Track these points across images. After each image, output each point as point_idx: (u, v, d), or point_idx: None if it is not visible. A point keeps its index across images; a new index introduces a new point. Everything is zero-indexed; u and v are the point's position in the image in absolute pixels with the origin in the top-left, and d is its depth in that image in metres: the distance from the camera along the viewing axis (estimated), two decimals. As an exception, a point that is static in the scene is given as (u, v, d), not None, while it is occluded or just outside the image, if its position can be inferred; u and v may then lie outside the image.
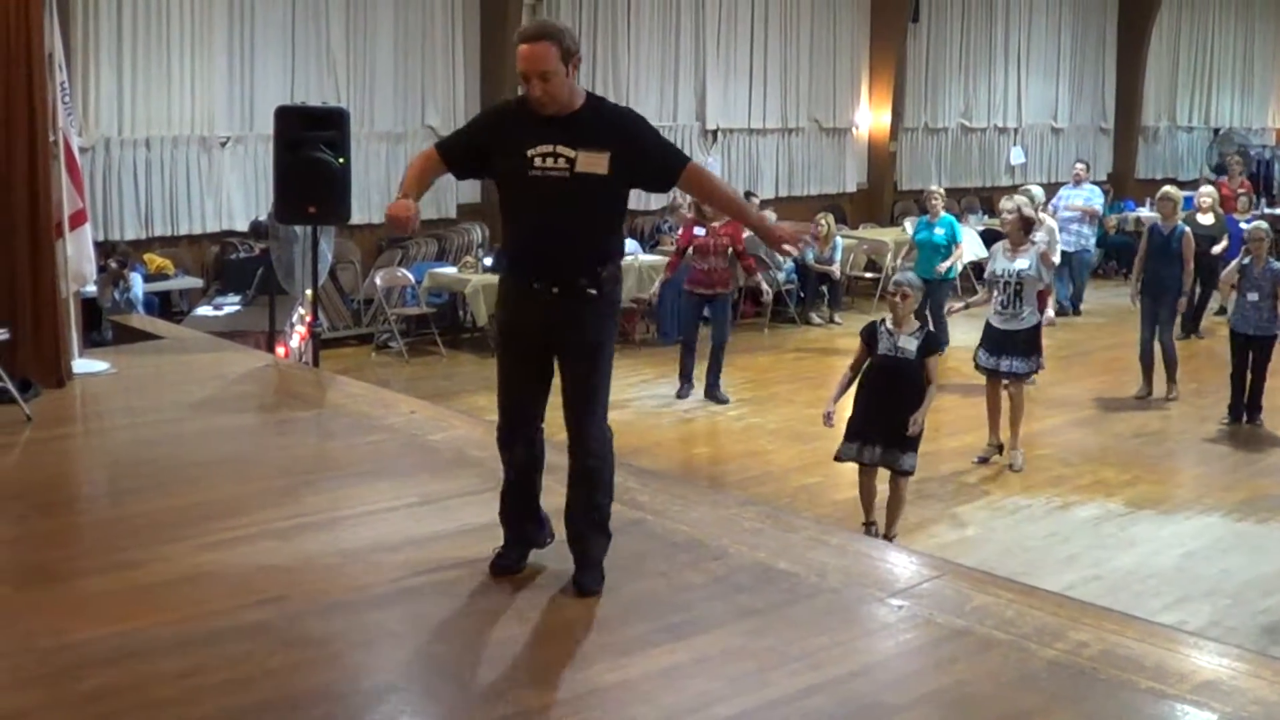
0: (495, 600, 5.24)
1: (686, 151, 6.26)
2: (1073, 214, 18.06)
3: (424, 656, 4.82)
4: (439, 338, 15.17)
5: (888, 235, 19.30)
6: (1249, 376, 12.01)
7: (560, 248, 5.08)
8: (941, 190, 15.66)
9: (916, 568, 5.83)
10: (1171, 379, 12.99)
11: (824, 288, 17.57)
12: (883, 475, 8.75)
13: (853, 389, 8.83)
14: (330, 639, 4.87)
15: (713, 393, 12.79)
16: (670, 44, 18.90)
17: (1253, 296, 11.80)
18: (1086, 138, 25.63)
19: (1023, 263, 10.61)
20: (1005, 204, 11.12)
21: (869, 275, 18.79)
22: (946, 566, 5.87)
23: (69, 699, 4.32)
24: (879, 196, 21.91)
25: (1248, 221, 14.51)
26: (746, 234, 15.73)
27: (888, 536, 8.58)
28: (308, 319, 11.00)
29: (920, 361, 8.53)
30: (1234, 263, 12.30)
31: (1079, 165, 19.22)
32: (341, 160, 9.52)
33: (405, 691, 4.58)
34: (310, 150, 9.41)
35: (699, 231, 12.68)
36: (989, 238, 18.19)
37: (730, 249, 12.72)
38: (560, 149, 5.00)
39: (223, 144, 14.82)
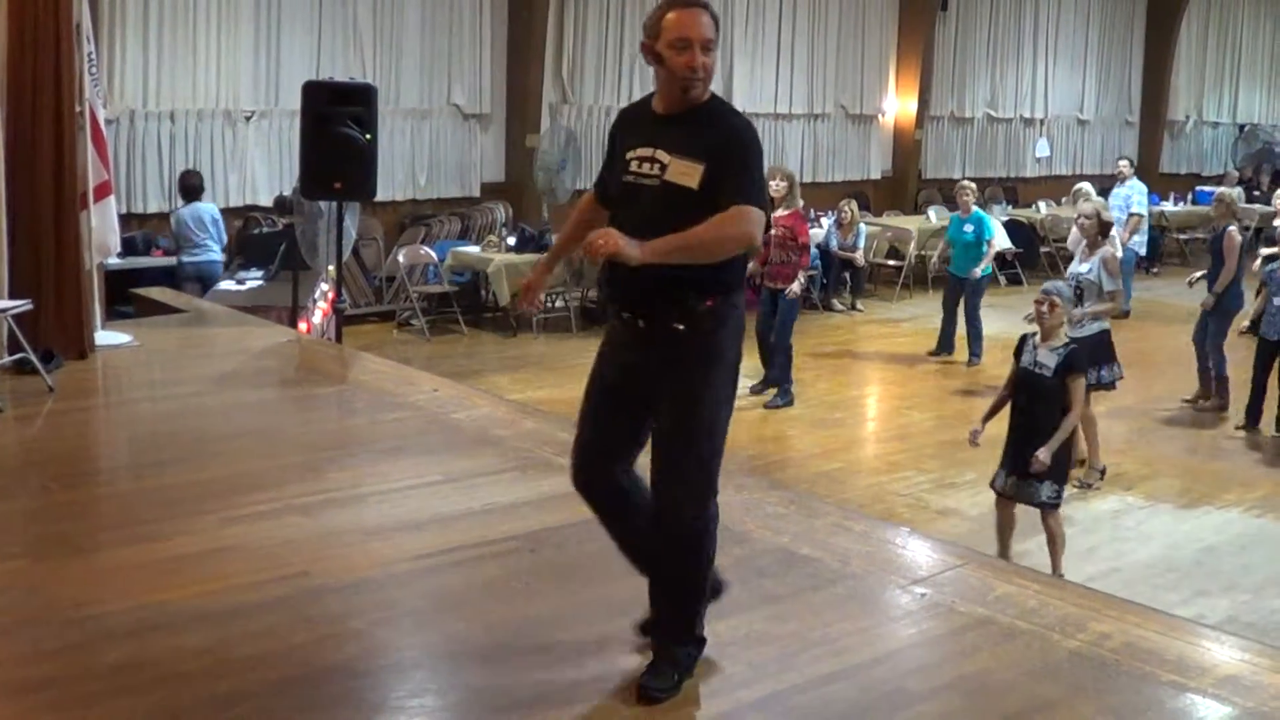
0: (518, 581, 5.23)
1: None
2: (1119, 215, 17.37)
3: (446, 635, 4.82)
4: (461, 316, 15.17)
5: (911, 223, 19.29)
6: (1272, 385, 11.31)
7: (645, 272, 4.08)
8: (972, 185, 14.84)
9: (939, 556, 5.81)
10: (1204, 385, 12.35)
11: (846, 275, 17.52)
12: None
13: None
14: (353, 615, 4.86)
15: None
16: (697, 26, 18.80)
17: (1278, 301, 11.15)
18: (1112, 130, 25.62)
19: (1084, 267, 10.05)
20: (1084, 206, 10.56)
21: (892, 263, 18.78)
22: (969, 555, 5.86)
23: (91, 671, 4.33)
24: (903, 184, 21.96)
25: None
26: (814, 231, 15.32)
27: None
28: (330, 295, 11.01)
29: (1059, 381, 7.62)
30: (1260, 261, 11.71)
31: (1122, 162, 18.42)
32: (368, 137, 9.52)
33: (427, 669, 4.59)
34: (337, 126, 9.43)
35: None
36: (1011, 228, 18.18)
37: (792, 240, 11.83)
38: (659, 153, 4.17)
39: (247, 118, 14.84)
